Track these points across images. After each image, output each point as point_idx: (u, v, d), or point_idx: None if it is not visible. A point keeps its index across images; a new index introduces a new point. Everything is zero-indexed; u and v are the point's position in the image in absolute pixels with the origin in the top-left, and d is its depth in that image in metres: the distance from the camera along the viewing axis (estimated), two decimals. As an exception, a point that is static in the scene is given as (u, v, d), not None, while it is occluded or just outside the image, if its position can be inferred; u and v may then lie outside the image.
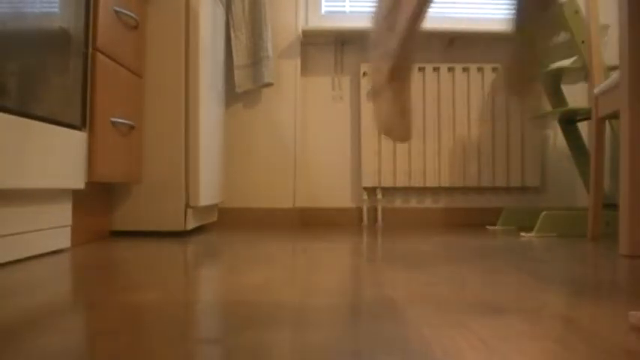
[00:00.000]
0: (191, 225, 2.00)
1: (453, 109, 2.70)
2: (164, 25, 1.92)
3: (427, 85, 2.70)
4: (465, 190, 2.73)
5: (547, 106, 2.52)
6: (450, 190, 2.73)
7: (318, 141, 2.74)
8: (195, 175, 1.94)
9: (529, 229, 2.10)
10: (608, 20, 2.19)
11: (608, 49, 2.26)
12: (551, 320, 0.74)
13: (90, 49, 1.53)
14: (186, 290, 1.03)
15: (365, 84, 2.70)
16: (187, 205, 1.95)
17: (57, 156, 1.37)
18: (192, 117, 1.93)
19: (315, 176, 2.70)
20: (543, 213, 2.09)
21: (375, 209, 2.72)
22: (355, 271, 1.29)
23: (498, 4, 2.84)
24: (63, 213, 1.49)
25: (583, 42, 2.06)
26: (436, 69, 2.70)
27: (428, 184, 2.68)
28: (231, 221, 2.65)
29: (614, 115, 1.72)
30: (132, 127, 1.79)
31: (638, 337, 0.65)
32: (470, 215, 2.71)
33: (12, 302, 0.86)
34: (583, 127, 2.41)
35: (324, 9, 2.79)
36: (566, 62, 2.22)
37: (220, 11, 2.34)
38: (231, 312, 0.77)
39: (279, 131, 2.67)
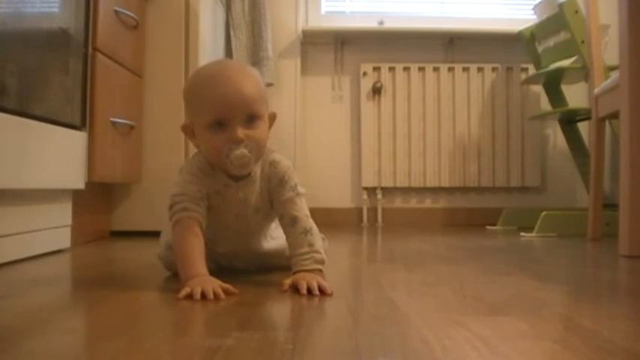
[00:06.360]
0: (191, 225, 2.00)
1: (453, 109, 2.70)
2: (164, 25, 1.92)
3: (427, 85, 2.70)
4: (465, 190, 2.73)
5: (547, 106, 2.52)
6: (450, 190, 2.73)
7: (318, 141, 2.74)
8: (195, 175, 1.94)
9: (529, 229, 2.10)
10: (608, 20, 2.19)
11: (608, 49, 2.25)
12: (551, 320, 0.74)
13: (90, 49, 1.52)
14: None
15: (365, 84, 2.70)
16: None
17: (57, 156, 1.37)
18: (192, 117, 1.93)
19: (315, 176, 2.70)
20: (543, 213, 2.08)
21: (375, 209, 2.72)
22: (355, 271, 1.30)
23: (498, 4, 2.84)
24: (63, 213, 1.49)
25: (583, 42, 2.05)
26: (436, 69, 2.70)
27: (428, 184, 2.68)
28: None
29: (614, 115, 1.72)
30: (132, 127, 1.78)
31: (638, 337, 0.65)
32: (470, 215, 2.70)
33: (12, 302, 0.86)
34: (583, 127, 2.41)
35: (324, 9, 2.79)
36: (566, 62, 2.22)
37: (220, 11, 2.33)
38: (231, 311, 0.77)
39: (279, 131, 2.66)
